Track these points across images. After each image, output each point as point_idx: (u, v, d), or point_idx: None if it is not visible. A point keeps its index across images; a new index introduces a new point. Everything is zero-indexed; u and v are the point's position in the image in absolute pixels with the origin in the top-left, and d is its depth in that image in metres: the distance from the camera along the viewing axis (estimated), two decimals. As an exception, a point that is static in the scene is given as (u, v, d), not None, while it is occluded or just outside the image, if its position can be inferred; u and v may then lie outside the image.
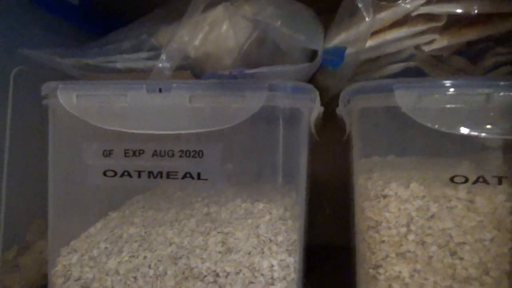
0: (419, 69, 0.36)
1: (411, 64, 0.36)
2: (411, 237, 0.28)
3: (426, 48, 0.35)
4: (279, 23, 0.32)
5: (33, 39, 0.41)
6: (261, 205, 0.35)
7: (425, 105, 0.26)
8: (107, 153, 0.31)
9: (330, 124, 0.39)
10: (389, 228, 0.28)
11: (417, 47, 0.35)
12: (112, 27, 0.40)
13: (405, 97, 0.27)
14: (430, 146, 0.29)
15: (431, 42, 0.34)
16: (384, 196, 0.28)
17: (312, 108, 0.32)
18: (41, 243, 0.45)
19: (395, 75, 0.36)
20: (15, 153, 0.40)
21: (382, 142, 0.30)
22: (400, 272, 0.28)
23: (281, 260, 0.30)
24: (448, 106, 0.26)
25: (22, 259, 0.43)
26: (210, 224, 0.34)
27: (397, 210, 0.28)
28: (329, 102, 0.37)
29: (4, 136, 0.38)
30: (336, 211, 0.58)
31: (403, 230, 0.28)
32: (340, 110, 0.32)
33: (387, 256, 0.28)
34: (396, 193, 0.28)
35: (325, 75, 0.39)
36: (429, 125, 0.26)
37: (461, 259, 0.27)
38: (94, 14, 0.50)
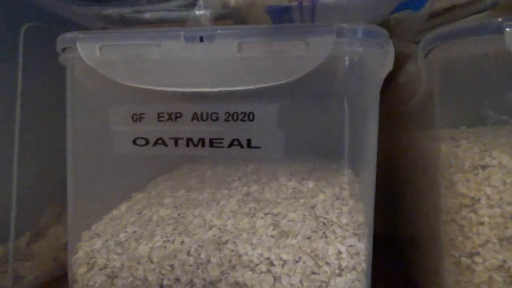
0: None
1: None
2: (520, 217, 0.22)
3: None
4: None
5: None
6: (311, 184, 0.30)
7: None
8: (137, 118, 0.26)
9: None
10: (490, 206, 0.23)
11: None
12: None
13: (520, 38, 0.21)
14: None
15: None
16: (484, 167, 0.23)
17: (384, 63, 0.26)
18: (56, 229, 0.42)
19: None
20: (28, 128, 0.35)
21: (476, 101, 0.24)
22: (504, 261, 0.22)
23: (350, 246, 0.25)
24: None
25: (36, 246, 0.39)
26: (255, 205, 0.29)
27: (501, 183, 0.22)
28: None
29: (14, 109, 0.33)
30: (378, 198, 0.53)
31: (509, 208, 0.22)
32: (417, 65, 0.26)
33: (487, 241, 0.23)
34: (500, 163, 0.22)
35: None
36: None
37: None
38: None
